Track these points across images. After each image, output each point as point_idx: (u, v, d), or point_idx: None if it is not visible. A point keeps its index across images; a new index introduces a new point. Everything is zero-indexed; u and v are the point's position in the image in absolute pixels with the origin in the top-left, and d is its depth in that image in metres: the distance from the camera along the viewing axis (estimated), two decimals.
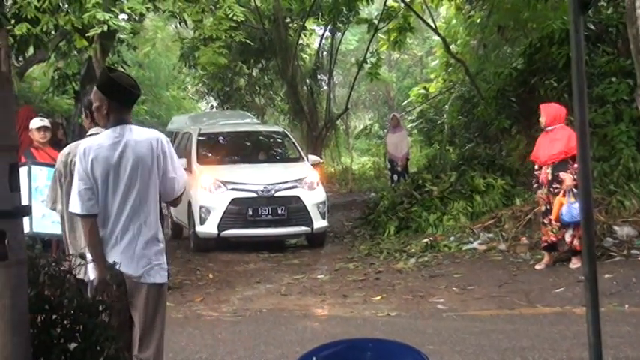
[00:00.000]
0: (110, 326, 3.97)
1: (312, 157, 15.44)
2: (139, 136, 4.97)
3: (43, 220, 7.44)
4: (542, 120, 10.46)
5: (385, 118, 27.05)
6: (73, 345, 3.74)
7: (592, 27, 14.43)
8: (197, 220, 13.40)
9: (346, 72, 33.19)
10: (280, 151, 16.37)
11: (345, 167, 26.87)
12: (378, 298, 9.77)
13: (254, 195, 13.36)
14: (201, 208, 13.34)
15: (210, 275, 11.65)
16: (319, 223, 13.64)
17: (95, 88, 5.09)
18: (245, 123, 17.59)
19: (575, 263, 10.24)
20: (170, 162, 5.04)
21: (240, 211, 13.31)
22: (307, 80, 24.05)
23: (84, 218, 4.93)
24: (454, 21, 21.85)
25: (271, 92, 27.61)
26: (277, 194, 13.43)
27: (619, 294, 8.94)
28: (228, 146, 15.90)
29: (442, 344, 7.39)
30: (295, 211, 13.44)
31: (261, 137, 16.60)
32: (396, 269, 11.45)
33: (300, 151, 15.63)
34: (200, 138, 15.15)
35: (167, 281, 5.06)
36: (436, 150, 19.46)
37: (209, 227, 13.28)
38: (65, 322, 3.79)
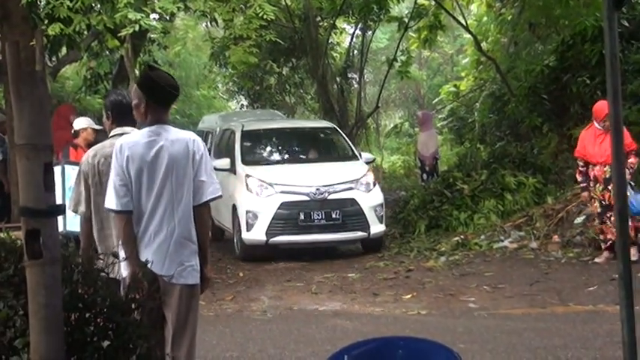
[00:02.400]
0: (142, 324, 4.00)
1: (366, 155, 14.40)
2: (175, 135, 5.02)
3: (76, 219, 7.48)
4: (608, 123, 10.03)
5: (415, 117, 26.97)
6: (105, 343, 3.76)
7: (626, 24, 14.32)
8: (243, 226, 12.37)
9: (377, 70, 33.12)
10: (331, 148, 15.08)
11: (376, 166, 26.83)
12: (409, 296, 9.75)
13: (306, 198, 12.28)
14: (247, 212, 12.32)
15: (241, 274, 11.70)
16: (376, 228, 12.58)
17: (135, 85, 5.18)
18: (289, 119, 17.20)
19: (633, 255, 10.08)
20: (203, 165, 5.05)
21: (291, 216, 12.25)
22: (338, 79, 24.00)
23: (118, 214, 4.97)
24: (485, 18, 21.75)
25: (302, 91, 27.58)
26: (331, 197, 12.35)
27: None
28: (275, 144, 14.87)
29: (473, 343, 7.37)
30: (351, 214, 12.38)
31: (310, 134, 15.45)
32: (427, 268, 11.42)
33: (354, 148, 14.52)
34: (244, 135, 14.03)
35: (199, 282, 5.09)
36: (467, 148, 19.32)
37: (256, 234, 12.26)
38: (98, 320, 3.82)
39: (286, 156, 14.45)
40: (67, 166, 8.18)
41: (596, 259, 10.61)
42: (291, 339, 7.93)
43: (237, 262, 12.46)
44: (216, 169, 12.68)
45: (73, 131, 10.35)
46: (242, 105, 29.56)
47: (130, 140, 5.03)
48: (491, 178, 14.37)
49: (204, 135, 18.82)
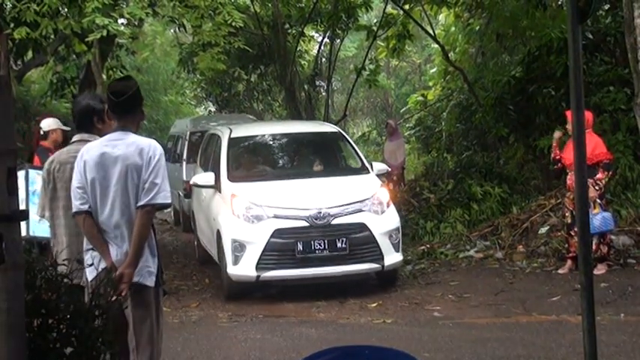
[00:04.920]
0: (106, 331, 3.98)
1: (378, 166, 11.76)
2: (132, 141, 5.13)
3: (40, 224, 7.43)
4: (569, 127, 10.25)
5: (383, 125, 27.06)
6: (69, 350, 3.74)
7: (590, 36, 14.47)
8: (229, 258, 10.05)
9: (345, 78, 33.21)
10: (336, 159, 12.54)
11: None
12: (374, 305, 9.76)
13: (304, 223, 9.98)
14: (233, 242, 10.02)
15: (207, 280, 11.64)
16: (392, 258, 10.26)
17: None
18: (286, 122, 15.88)
19: (600, 269, 10.13)
20: (158, 169, 5.09)
21: (287, 246, 9.93)
22: (306, 86, 24.04)
23: (77, 215, 5.15)
24: (453, 28, 21.87)
25: (269, 98, 27.64)
26: (336, 221, 10.04)
27: (615, 303, 8.94)
28: (269, 154, 12.63)
29: (438, 352, 7.39)
30: (361, 243, 10.08)
31: (311, 141, 12.79)
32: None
33: (363, 158, 11.89)
34: (231, 144, 11.63)
35: (153, 286, 5.11)
36: (434, 157, 19.40)
37: (245, 268, 9.92)
38: (61, 326, 3.80)
39: (281, 169, 12.15)
40: (30, 171, 8.10)
41: (560, 270, 10.69)
42: (257, 346, 7.91)
43: (202, 269, 12.39)
44: (197, 185, 11.51)
45: (42, 132, 10.22)
46: (210, 111, 29.57)
47: (90, 145, 5.23)
48: (458, 187, 14.46)
49: (175, 139, 18.73)
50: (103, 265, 5.03)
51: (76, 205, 5.11)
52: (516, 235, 12.31)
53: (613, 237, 10.94)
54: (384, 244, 10.18)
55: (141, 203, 5.02)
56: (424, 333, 8.23)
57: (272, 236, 9.92)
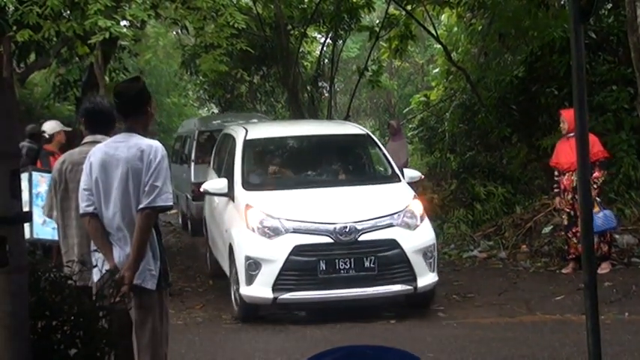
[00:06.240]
0: (110, 332, 3.98)
1: (410, 172, 10.53)
2: (134, 142, 5.10)
3: (44, 227, 7.47)
4: (565, 126, 10.37)
5: (386, 126, 27.04)
6: (73, 351, 3.74)
7: (593, 35, 14.43)
8: (242, 277, 8.98)
9: (347, 79, 33.18)
10: (364, 165, 11.36)
11: None
12: (378, 305, 9.74)
13: (328, 239, 8.87)
14: (247, 259, 8.93)
15: (211, 282, 11.64)
16: (426, 279, 9.04)
17: None
18: (307, 122, 15.25)
19: (604, 268, 10.13)
20: (160, 171, 5.03)
21: (308, 265, 8.83)
22: (308, 87, 24.01)
23: (82, 217, 5.20)
24: (455, 29, 21.83)
25: (272, 99, 27.61)
26: (363, 237, 8.91)
27: (619, 302, 8.94)
28: (288, 159, 11.28)
29: (441, 352, 7.39)
30: (391, 262, 8.95)
31: (336, 144, 11.48)
32: None
33: (393, 164, 10.64)
34: (247, 147, 10.50)
35: (154, 289, 5.08)
36: (437, 158, 19.38)
37: (259, 289, 8.85)
38: (65, 328, 3.80)
39: (303, 176, 10.86)
40: (34, 173, 8.13)
41: (563, 270, 10.69)
42: (261, 348, 7.91)
43: (207, 271, 12.38)
44: (209, 193, 10.50)
45: (47, 135, 10.26)
46: (213, 113, 29.56)
47: (98, 147, 5.25)
48: (461, 187, 14.46)
49: (182, 139, 18.53)
50: (107, 266, 5.03)
51: (82, 206, 5.14)
52: (520, 234, 12.30)
53: (617, 236, 10.94)
54: (417, 264, 9.02)
55: (141, 206, 4.98)
56: (428, 333, 8.24)
57: (291, 254, 8.82)
